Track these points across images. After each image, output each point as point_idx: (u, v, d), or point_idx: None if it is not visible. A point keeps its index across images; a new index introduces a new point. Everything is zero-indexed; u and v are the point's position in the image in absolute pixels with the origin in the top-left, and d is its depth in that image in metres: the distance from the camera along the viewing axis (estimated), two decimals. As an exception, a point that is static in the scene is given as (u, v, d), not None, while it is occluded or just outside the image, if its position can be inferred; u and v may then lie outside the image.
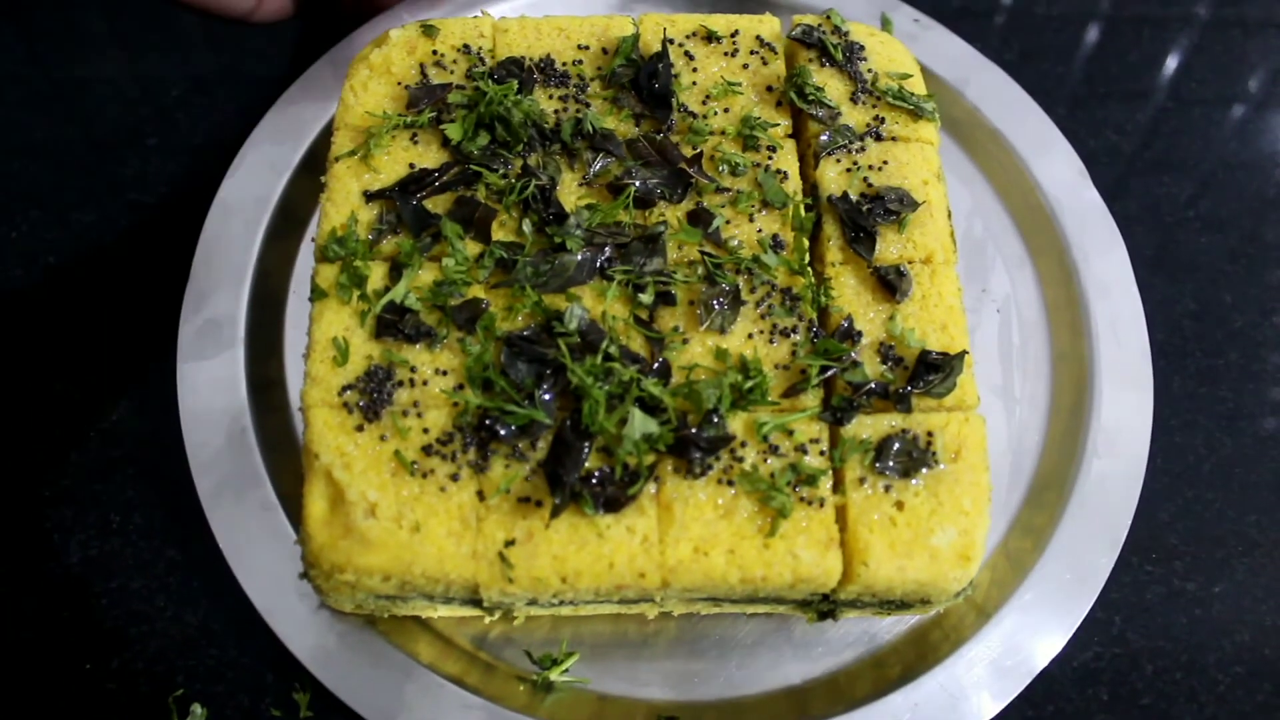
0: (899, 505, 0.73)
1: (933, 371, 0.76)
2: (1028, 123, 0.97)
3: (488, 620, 0.81)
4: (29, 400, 0.92)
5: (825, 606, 0.78)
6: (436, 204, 0.81)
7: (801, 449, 0.74)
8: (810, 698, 0.81)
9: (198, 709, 0.81)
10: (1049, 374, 0.91)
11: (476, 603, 0.76)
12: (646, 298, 0.78)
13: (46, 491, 0.89)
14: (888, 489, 0.74)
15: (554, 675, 0.80)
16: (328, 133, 0.94)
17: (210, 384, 0.86)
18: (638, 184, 0.81)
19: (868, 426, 0.75)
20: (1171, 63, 1.07)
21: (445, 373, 0.76)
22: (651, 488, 0.73)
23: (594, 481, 0.72)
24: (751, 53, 0.88)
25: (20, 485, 0.89)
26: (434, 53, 0.87)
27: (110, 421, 0.91)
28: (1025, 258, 0.95)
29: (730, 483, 0.73)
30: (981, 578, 0.84)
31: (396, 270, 0.79)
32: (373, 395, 0.75)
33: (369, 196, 0.81)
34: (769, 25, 0.89)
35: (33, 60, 1.11)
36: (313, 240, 0.83)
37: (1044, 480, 0.87)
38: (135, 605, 0.85)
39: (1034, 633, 0.80)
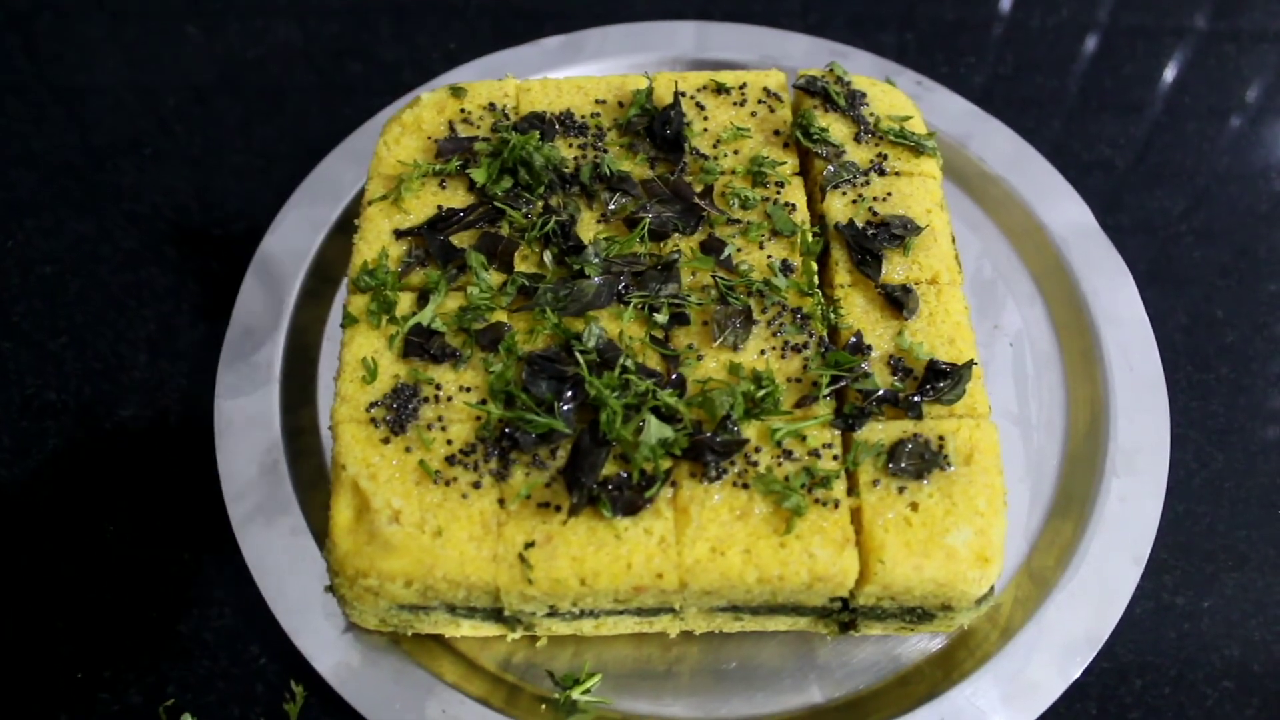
0: (913, 506, 0.74)
1: (941, 379, 0.78)
2: (1030, 169, 1.01)
3: (510, 639, 0.82)
4: (18, 407, 0.95)
5: (845, 617, 0.78)
6: (462, 240, 0.86)
7: (815, 454, 0.75)
8: (835, 717, 0.80)
9: (188, 719, 0.81)
10: (1064, 401, 0.92)
11: (498, 614, 0.77)
12: (662, 318, 0.81)
13: (40, 500, 0.91)
14: (901, 490, 0.74)
15: (576, 694, 0.79)
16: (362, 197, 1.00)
17: (245, 419, 0.89)
18: (652, 217, 0.86)
19: (879, 432, 0.77)
20: (1166, 75, 1.10)
21: (469, 389, 0.79)
22: (668, 492, 0.74)
23: (611, 486, 0.74)
24: (759, 102, 0.93)
25: (12, 495, 0.91)
26: (462, 111, 0.94)
27: (103, 429, 0.94)
28: (1035, 294, 0.97)
29: (745, 485, 0.74)
30: (1005, 596, 0.83)
31: (424, 299, 0.83)
32: (399, 411, 0.78)
33: (399, 234, 0.86)
34: (775, 78, 0.95)
35: (32, 69, 1.15)
36: (347, 282, 0.87)
37: (1064, 501, 0.87)
38: (127, 615, 0.86)
39: (1059, 648, 0.79)
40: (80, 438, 0.94)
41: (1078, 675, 0.79)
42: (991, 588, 0.77)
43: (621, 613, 0.78)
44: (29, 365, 0.98)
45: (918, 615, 0.78)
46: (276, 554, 0.84)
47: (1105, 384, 0.91)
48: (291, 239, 0.99)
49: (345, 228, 1.00)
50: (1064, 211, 0.99)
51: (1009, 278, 0.98)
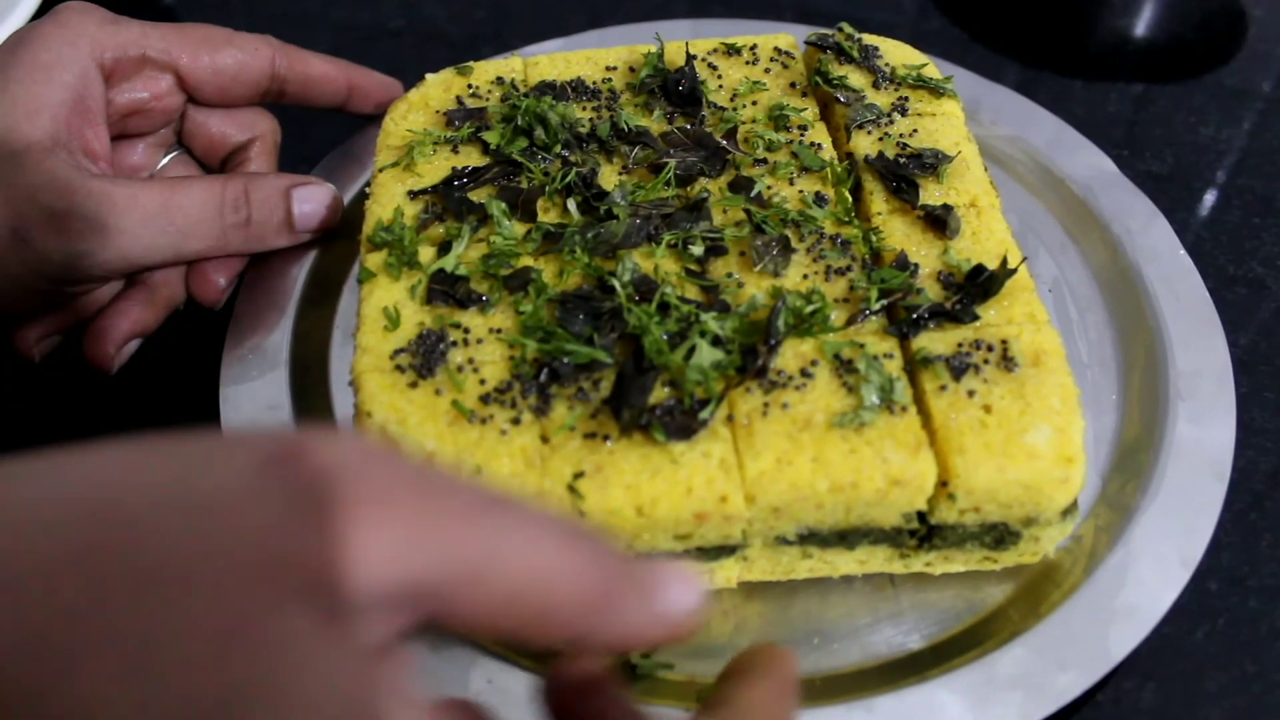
0: (986, 408, 0.69)
1: (982, 273, 0.74)
2: (1042, 125, 1.00)
3: (557, 603, 0.74)
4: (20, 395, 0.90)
5: (918, 543, 0.72)
6: (480, 196, 0.82)
7: (875, 360, 0.70)
8: (914, 665, 0.72)
9: None
10: (1113, 338, 0.88)
11: (545, 564, 0.70)
12: (697, 249, 0.77)
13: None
14: (971, 394, 0.70)
15: (634, 657, 0.72)
16: (362, 198, 0.97)
17: (253, 402, 0.83)
18: (678, 161, 0.83)
19: (939, 340, 0.72)
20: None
21: (499, 331, 0.74)
22: (724, 412, 0.69)
23: (661, 412, 0.69)
24: (771, 59, 0.92)
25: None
26: (469, 86, 0.91)
27: (105, 415, 0.89)
28: (1067, 242, 0.95)
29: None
30: (1085, 527, 0.77)
31: (444, 250, 0.79)
32: (426, 356, 0.73)
33: (413, 194, 0.83)
34: (785, 39, 0.94)
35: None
36: (362, 241, 0.83)
37: (1130, 431, 0.82)
38: None
39: (1153, 571, 0.73)
40: (82, 422, 0.88)
41: (1175, 597, 0.73)
42: (1076, 499, 0.72)
43: (681, 555, 0.71)
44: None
45: (999, 535, 0.72)
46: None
47: (1154, 316, 0.87)
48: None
49: (345, 230, 0.97)
50: (1083, 160, 0.97)
51: (1037, 229, 0.96)
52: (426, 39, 1.24)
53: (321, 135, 1.06)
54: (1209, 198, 1.03)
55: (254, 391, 0.84)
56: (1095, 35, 1.22)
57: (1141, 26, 1.22)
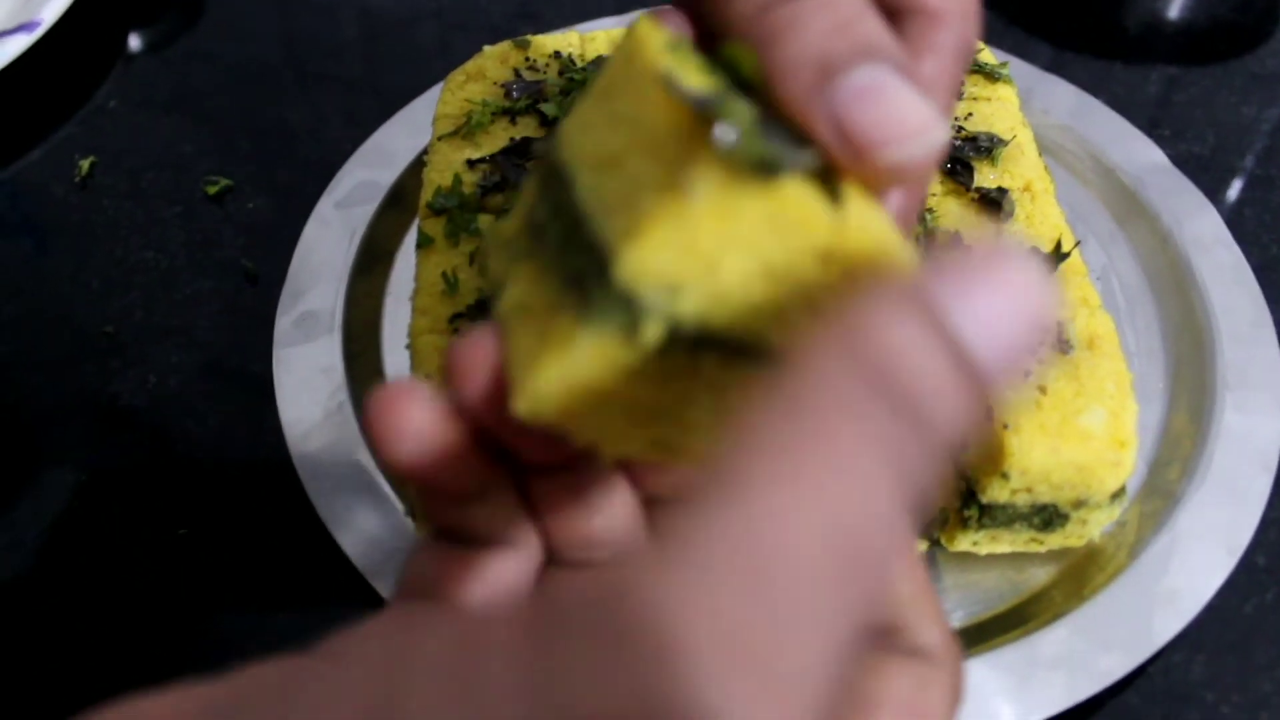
0: (1041, 389, 0.70)
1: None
2: (1095, 117, 1.00)
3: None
4: (76, 355, 0.91)
5: (973, 510, 0.73)
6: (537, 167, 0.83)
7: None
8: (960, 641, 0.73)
9: None
10: (1160, 329, 0.89)
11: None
12: (753, 225, 0.78)
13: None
14: (1026, 374, 0.70)
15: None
16: (417, 165, 0.98)
17: (307, 365, 0.84)
18: (733, 138, 0.83)
19: (994, 321, 0.73)
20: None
21: (556, 299, 0.75)
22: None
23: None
24: (827, 41, 0.92)
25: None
26: (526, 59, 0.92)
27: (163, 386, 0.90)
28: (1117, 232, 0.95)
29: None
30: (1130, 513, 0.78)
31: (502, 218, 0.80)
32: (485, 321, 0.74)
33: (472, 163, 0.83)
34: (841, 21, 0.94)
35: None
36: (420, 208, 0.84)
37: (1178, 420, 0.83)
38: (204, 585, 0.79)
39: (1198, 553, 0.74)
40: (139, 384, 0.89)
41: (1220, 583, 0.73)
42: (1124, 486, 0.72)
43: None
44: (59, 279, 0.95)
45: (1048, 517, 0.72)
46: (346, 498, 0.78)
47: (1203, 306, 0.87)
48: (348, 202, 0.96)
49: (397, 200, 0.98)
50: (1135, 151, 0.97)
51: (1087, 219, 0.96)
52: (462, 23, 1.24)
53: (372, 105, 1.08)
54: (1251, 177, 1.03)
55: (307, 354, 0.85)
56: (1131, 16, 1.22)
57: (1176, 8, 1.22)
